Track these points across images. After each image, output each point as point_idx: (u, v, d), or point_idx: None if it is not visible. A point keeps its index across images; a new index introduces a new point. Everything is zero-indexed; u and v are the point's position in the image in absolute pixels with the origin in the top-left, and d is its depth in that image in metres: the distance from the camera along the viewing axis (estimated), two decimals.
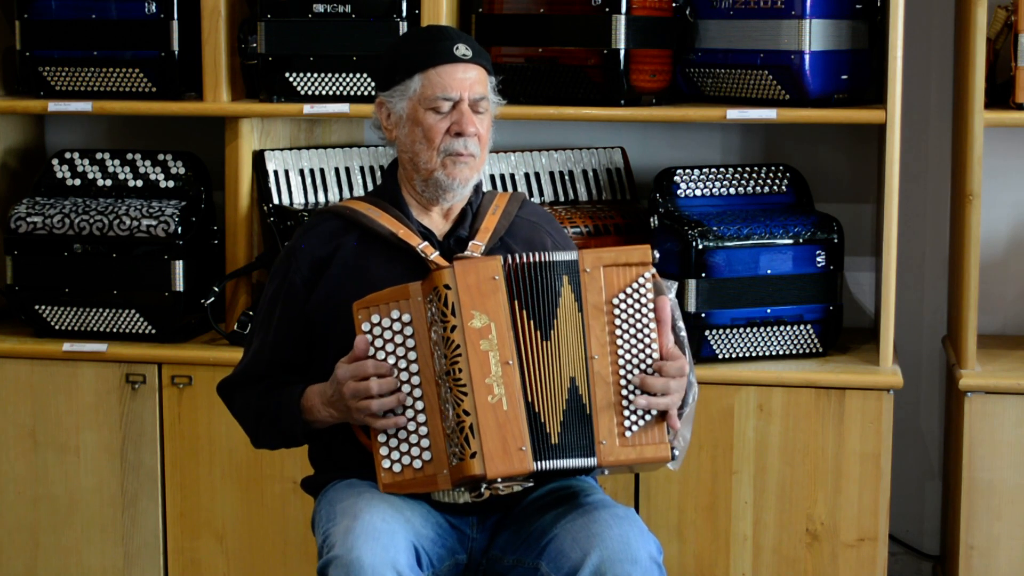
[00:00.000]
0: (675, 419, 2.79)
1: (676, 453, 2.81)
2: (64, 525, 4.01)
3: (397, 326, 2.78)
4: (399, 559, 2.68)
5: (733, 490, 3.75)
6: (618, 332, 2.78)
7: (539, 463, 2.72)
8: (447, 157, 2.94)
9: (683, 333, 2.87)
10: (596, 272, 2.79)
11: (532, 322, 2.76)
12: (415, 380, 2.77)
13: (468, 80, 2.94)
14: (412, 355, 2.77)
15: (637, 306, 2.80)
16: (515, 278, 2.77)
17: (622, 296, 2.79)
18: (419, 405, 2.77)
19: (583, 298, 2.78)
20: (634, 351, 2.78)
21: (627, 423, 2.76)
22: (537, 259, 2.78)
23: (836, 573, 3.73)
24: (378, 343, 2.78)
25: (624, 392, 2.76)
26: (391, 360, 2.77)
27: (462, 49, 2.95)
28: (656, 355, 2.79)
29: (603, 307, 2.78)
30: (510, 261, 2.77)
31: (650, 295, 2.80)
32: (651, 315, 2.80)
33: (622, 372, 2.77)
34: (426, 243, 2.94)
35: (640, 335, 2.79)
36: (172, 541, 3.97)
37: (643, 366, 2.79)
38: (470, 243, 2.97)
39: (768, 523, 3.75)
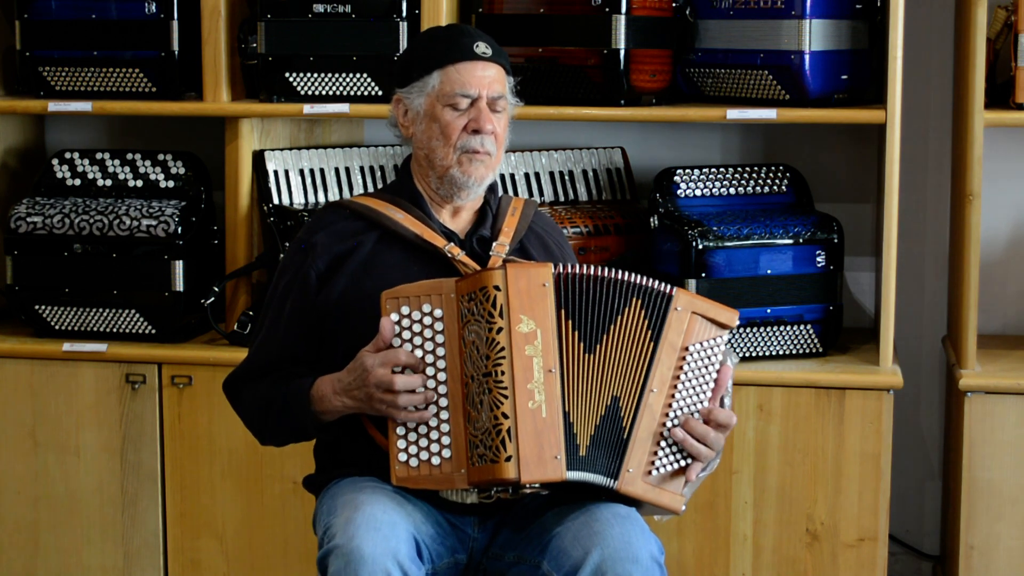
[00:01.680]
0: (694, 471, 2.80)
1: (684, 508, 2.83)
2: (64, 525, 4.01)
3: (428, 320, 2.76)
4: (400, 549, 2.67)
5: (733, 490, 3.75)
6: (681, 378, 2.78)
7: (569, 472, 2.71)
8: (463, 154, 2.93)
9: (728, 405, 2.86)
10: (684, 314, 2.79)
11: (576, 333, 2.75)
12: (441, 376, 2.76)
13: (487, 78, 2.93)
14: (440, 351, 2.76)
15: (706, 362, 2.80)
16: (563, 287, 2.76)
17: (697, 347, 2.79)
18: (443, 402, 2.76)
19: (663, 332, 2.77)
20: (688, 401, 2.79)
21: (657, 463, 2.77)
22: (597, 273, 2.77)
23: (836, 573, 3.73)
24: (405, 335, 2.76)
25: (665, 434, 2.77)
26: (417, 353, 2.76)
27: (482, 47, 2.94)
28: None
29: (678, 349, 2.78)
30: (560, 270, 2.76)
31: (720, 357, 2.81)
32: (714, 375, 2.81)
33: (670, 415, 2.78)
34: (451, 244, 2.94)
35: (698, 389, 2.80)
36: (172, 541, 3.97)
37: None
38: (494, 243, 2.97)
39: (768, 523, 3.75)
